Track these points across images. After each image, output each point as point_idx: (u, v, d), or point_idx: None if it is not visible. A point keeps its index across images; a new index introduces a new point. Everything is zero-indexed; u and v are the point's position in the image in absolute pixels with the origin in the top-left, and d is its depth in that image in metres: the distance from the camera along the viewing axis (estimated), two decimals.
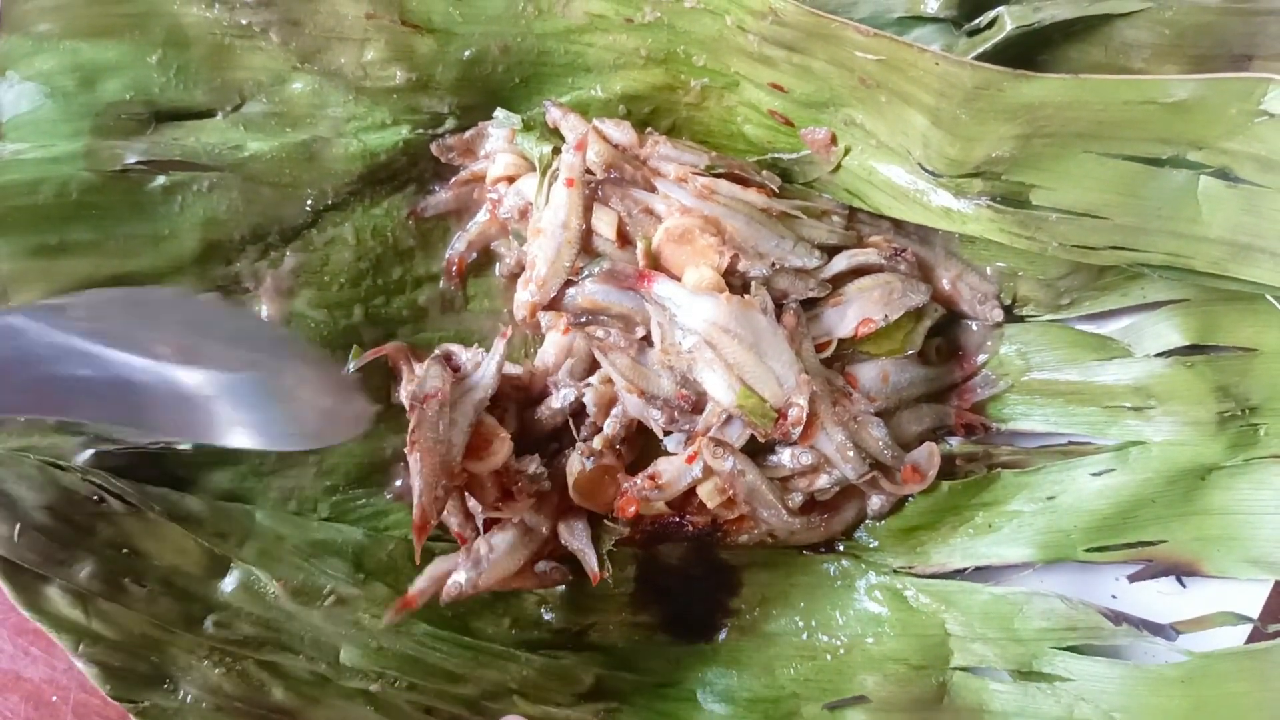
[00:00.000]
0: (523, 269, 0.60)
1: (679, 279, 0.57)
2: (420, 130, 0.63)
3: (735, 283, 0.59)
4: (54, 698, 0.66)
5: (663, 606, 0.63)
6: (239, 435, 0.47)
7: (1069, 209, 0.54)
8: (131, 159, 0.59)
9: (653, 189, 0.60)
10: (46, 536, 0.54)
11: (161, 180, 0.59)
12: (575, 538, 0.60)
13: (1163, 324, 0.60)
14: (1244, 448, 0.58)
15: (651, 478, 0.60)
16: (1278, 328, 0.56)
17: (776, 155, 0.64)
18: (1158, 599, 0.58)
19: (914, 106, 0.55)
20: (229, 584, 0.57)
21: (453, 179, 0.66)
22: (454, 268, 0.66)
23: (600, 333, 0.58)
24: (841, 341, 0.61)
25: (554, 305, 0.58)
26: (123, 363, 0.44)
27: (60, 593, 0.54)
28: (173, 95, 0.60)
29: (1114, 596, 0.59)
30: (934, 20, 0.59)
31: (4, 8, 0.57)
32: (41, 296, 0.57)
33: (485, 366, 0.58)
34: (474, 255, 0.67)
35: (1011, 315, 0.65)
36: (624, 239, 0.59)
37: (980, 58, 0.54)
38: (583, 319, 0.58)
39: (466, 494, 0.58)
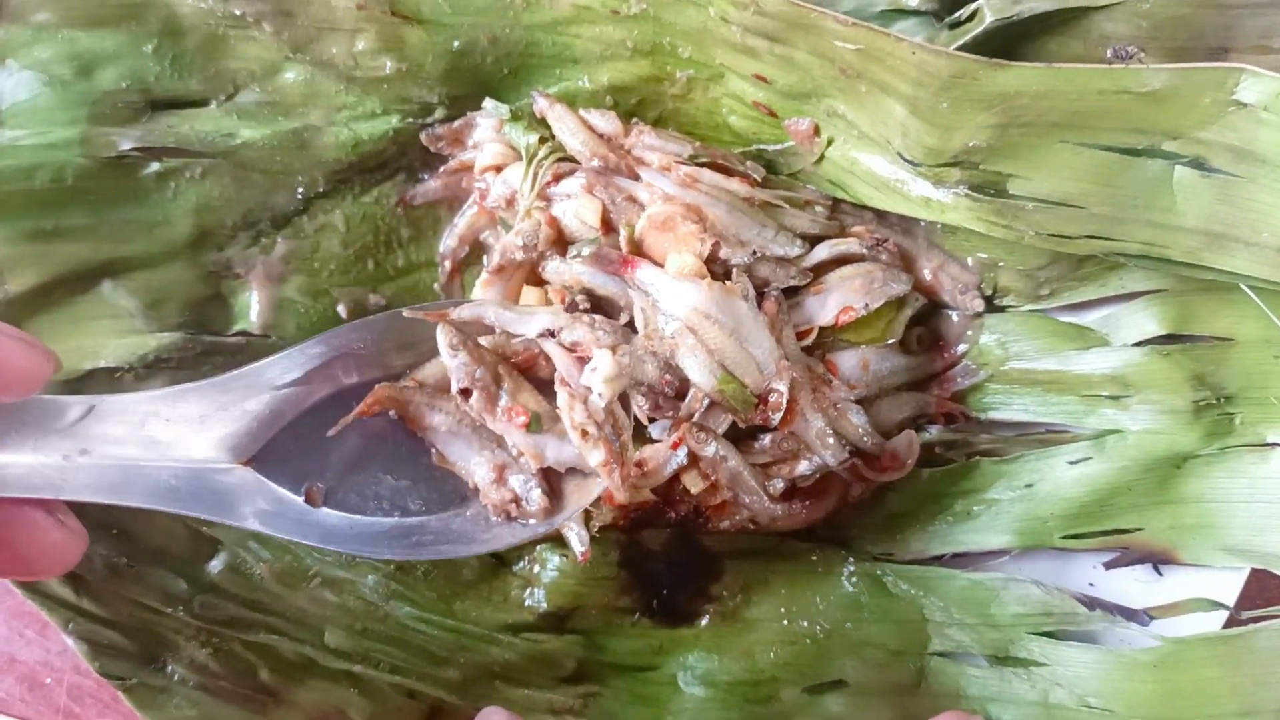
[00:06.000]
0: (504, 261, 0.60)
1: (662, 266, 0.58)
2: (410, 120, 0.64)
3: (717, 270, 0.59)
4: (48, 680, 0.67)
5: (645, 591, 0.63)
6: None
7: (1045, 198, 0.54)
8: (126, 146, 0.59)
9: (637, 178, 0.61)
10: None
11: (155, 167, 0.60)
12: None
13: (1140, 314, 0.60)
14: (1219, 436, 0.58)
15: (638, 464, 0.60)
16: (1253, 317, 0.56)
17: (761, 146, 0.64)
18: (1134, 586, 0.58)
19: (893, 96, 0.55)
20: (216, 565, 0.58)
21: (442, 168, 0.66)
22: (447, 263, 0.67)
23: (588, 319, 0.59)
24: (822, 329, 0.61)
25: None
26: None
27: None
28: (168, 84, 0.60)
29: (1091, 584, 0.59)
30: (916, 13, 0.59)
31: None
32: (38, 280, 0.58)
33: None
34: (465, 250, 0.68)
35: (992, 305, 0.65)
36: (608, 226, 0.60)
37: (961, 49, 0.54)
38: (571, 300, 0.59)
39: None
